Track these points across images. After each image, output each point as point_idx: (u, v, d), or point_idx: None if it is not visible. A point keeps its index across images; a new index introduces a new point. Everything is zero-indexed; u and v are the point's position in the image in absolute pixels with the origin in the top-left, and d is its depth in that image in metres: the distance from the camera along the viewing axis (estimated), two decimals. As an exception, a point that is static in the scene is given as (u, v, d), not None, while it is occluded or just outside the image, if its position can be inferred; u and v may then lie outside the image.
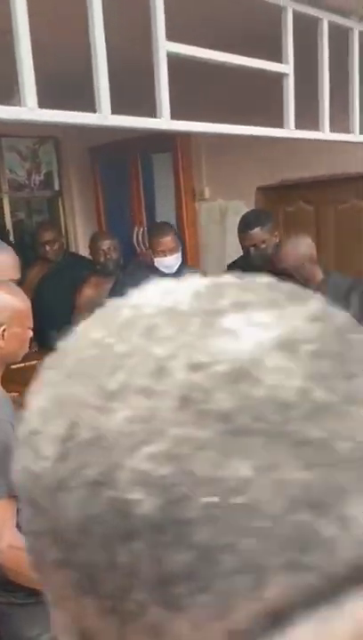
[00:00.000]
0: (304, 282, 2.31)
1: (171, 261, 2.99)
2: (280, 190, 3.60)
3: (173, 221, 4.04)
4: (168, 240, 2.96)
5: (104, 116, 1.34)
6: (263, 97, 1.92)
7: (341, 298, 2.28)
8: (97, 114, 1.34)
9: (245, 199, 3.75)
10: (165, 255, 2.96)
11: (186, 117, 1.59)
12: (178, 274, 3.04)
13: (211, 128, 1.60)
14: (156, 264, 3.02)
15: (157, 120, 1.46)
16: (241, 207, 3.76)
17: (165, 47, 1.45)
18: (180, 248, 3.05)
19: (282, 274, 2.30)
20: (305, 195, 3.52)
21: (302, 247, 2.35)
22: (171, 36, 1.48)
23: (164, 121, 1.46)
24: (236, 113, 2.00)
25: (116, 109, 1.41)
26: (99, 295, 3.32)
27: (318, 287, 2.34)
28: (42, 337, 3.68)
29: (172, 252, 2.97)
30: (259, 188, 3.68)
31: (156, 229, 3.10)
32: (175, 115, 1.52)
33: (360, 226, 3.31)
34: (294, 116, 1.83)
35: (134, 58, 1.64)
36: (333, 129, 2.07)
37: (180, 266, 3.12)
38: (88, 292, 3.33)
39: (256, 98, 2.48)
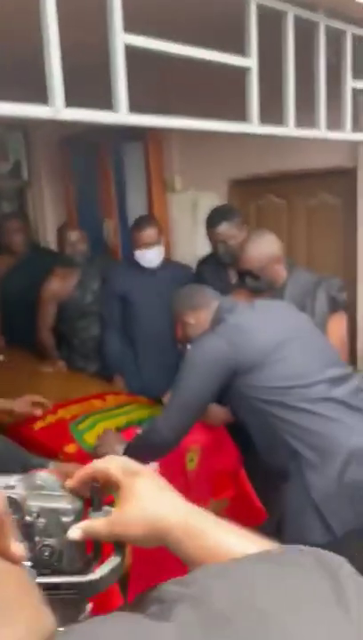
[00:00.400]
0: (269, 282, 2.30)
1: (152, 255, 2.94)
2: (252, 183, 3.58)
3: (143, 213, 4.00)
4: (150, 233, 2.92)
5: (57, 110, 1.29)
6: (236, 91, 1.88)
7: (307, 294, 2.28)
8: (50, 107, 1.30)
9: (216, 191, 3.72)
10: (147, 248, 2.92)
11: (163, 110, 1.56)
12: (160, 268, 3.01)
13: (169, 123, 1.57)
14: (136, 258, 2.97)
15: (114, 114, 1.42)
16: (213, 199, 3.74)
17: (122, 39, 1.41)
18: (162, 242, 3.01)
19: (249, 273, 2.30)
20: (276, 188, 3.51)
21: (264, 249, 2.32)
22: (130, 28, 1.44)
23: (121, 115, 1.42)
24: (208, 107, 1.98)
25: (75, 102, 1.38)
26: (64, 288, 3.27)
27: (283, 286, 2.34)
28: (8, 330, 3.64)
29: (153, 245, 2.93)
30: (230, 181, 3.66)
31: (138, 222, 3.04)
32: (148, 107, 1.48)
33: (330, 220, 3.31)
34: (258, 111, 1.80)
35: (94, 50, 1.59)
36: (301, 124, 2.05)
37: (166, 262, 3.10)
38: (54, 284, 3.28)
39: (230, 91, 2.45)
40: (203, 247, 3.85)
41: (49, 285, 3.30)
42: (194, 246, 3.96)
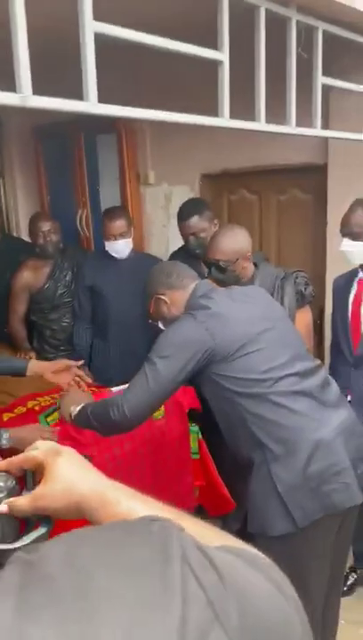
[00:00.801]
0: (234, 276, 2.32)
1: (120, 246, 2.95)
2: (224, 178, 3.60)
3: (117, 204, 3.98)
4: (120, 224, 2.92)
5: (25, 97, 1.28)
6: (210, 85, 1.88)
7: (275, 289, 2.31)
8: (18, 94, 1.28)
9: (189, 185, 3.73)
10: (116, 239, 2.93)
11: (136, 102, 1.55)
12: (130, 260, 3.01)
13: (139, 113, 1.57)
14: (106, 248, 2.98)
15: (84, 103, 1.41)
16: (186, 192, 3.75)
17: (92, 27, 1.40)
18: (131, 233, 3.01)
19: (216, 265, 2.31)
20: (248, 184, 3.53)
21: (235, 244, 2.33)
22: (101, 17, 1.43)
23: (90, 104, 1.41)
24: (182, 100, 1.98)
25: (49, 91, 1.36)
26: (36, 279, 3.25)
27: (251, 280, 2.36)
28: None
29: (123, 236, 2.93)
30: (203, 175, 3.67)
31: (108, 212, 3.05)
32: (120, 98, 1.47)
33: (301, 215, 3.36)
34: (228, 105, 1.81)
35: (65, 38, 1.58)
36: (273, 120, 2.07)
37: (134, 252, 3.10)
38: (25, 275, 3.25)
39: (203, 85, 2.45)
40: (175, 240, 3.85)
41: (21, 276, 3.27)
42: (167, 239, 3.96)
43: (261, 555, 0.57)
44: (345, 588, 2.52)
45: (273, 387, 1.75)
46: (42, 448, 0.74)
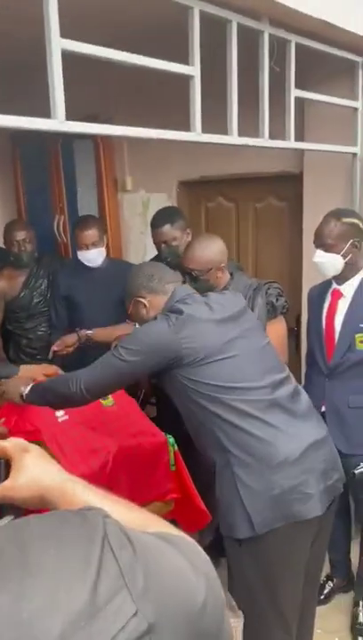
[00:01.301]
0: (207, 286, 2.32)
1: (92, 255, 2.95)
2: (201, 185, 3.61)
3: (94, 211, 3.97)
4: (91, 234, 2.92)
5: (-10, 117, 1.27)
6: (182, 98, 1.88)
7: (247, 299, 2.32)
8: (-18, 113, 1.27)
9: (167, 192, 3.73)
10: (88, 249, 2.93)
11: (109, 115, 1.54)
12: (105, 268, 3.00)
13: (109, 130, 1.56)
14: (79, 257, 2.97)
15: (51, 121, 1.40)
16: (164, 199, 3.74)
17: (59, 45, 1.39)
18: (104, 242, 3.00)
19: (189, 274, 2.31)
20: (225, 191, 3.54)
21: (208, 254, 2.33)
22: (70, 34, 1.42)
23: (57, 122, 1.40)
24: (155, 113, 1.98)
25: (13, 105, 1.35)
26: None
27: (225, 288, 2.37)
28: None
29: (95, 245, 2.93)
30: (180, 183, 3.67)
31: (79, 222, 3.05)
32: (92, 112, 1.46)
33: (277, 223, 3.37)
34: (200, 119, 1.81)
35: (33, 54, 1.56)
36: (246, 130, 2.07)
37: (109, 260, 3.09)
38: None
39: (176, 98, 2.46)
40: (153, 247, 3.85)
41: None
42: (144, 245, 3.95)
43: (188, 540, 0.67)
44: (322, 597, 2.53)
45: (244, 396, 1.75)
46: (12, 442, 0.85)
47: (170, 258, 2.73)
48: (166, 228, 2.74)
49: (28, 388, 1.98)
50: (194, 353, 1.73)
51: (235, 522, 1.73)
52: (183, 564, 0.60)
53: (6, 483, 0.82)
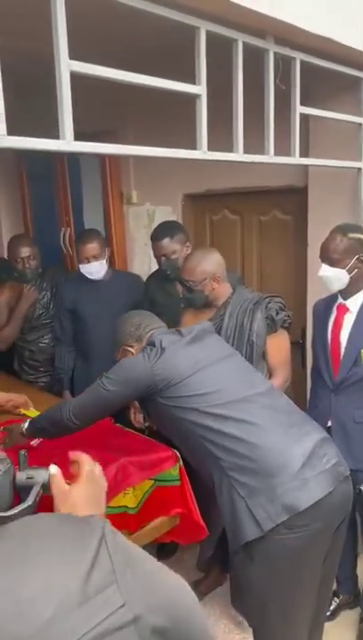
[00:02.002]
0: (203, 297, 2.36)
1: (94, 268, 2.98)
2: (206, 198, 3.62)
3: (100, 224, 3.99)
4: (92, 247, 2.95)
5: (-1, 138, 1.28)
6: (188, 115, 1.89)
7: (246, 314, 2.34)
8: (-8, 135, 1.28)
9: (172, 205, 3.74)
10: (88, 262, 2.96)
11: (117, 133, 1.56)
12: (109, 280, 3.03)
13: (117, 150, 1.58)
14: (81, 270, 3.00)
15: (59, 142, 1.42)
16: (169, 212, 3.76)
17: (68, 66, 1.41)
18: (106, 255, 3.03)
19: (184, 284, 2.35)
20: (230, 204, 3.55)
21: (204, 265, 2.37)
22: (78, 55, 1.44)
23: (65, 143, 1.42)
24: (161, 131, 1.98)
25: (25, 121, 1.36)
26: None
27: (226, 305, 2.38)
28: None
29: (96, 258, 2.96)
30: (185, 196, 3.69)
31: (81, 236, 3.09)
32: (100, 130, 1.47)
33: (282, 236, 3.38)
34: (206, 138, 1.82)
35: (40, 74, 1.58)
36: (251, 146, 2.09)
37: (113, 272, 3.12)
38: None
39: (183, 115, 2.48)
40: (158, 259, 3.87)
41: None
42: (149, 258, 3.96)
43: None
44: (328, 613, 2.51)
45: (217, 400, 1.82)
46: (88, 459, 1.00)
47: (169, 271, 2.76)
48: (166, 241, 2.77)
49: (27, 423, 2.11)
50: (167, 378, 1.85)
51: (240, 526, 1.73)
52: (172, 577, 0.70)
53: (68, 489, 0.95)
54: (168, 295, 2.85)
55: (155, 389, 1.87)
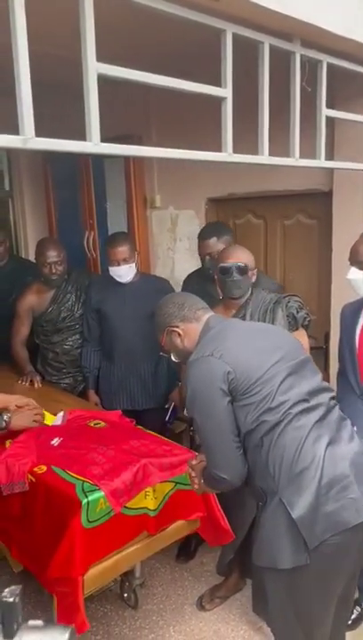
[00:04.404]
0: (249, 284, 2.38)
1: (123, 271, 2.99)
2: (230, 203, 3.62)
3: (124, 227, 4.02)
4: (122, 250, 2.97)
5: (27, 140, 1.30)
6: (214, 117, 1.89)
7: (267, 312, 2.33)
8: (20, 137, 1.30)
9: (195, 209, 3.75)
10: (118, 265, 2.97)
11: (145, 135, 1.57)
12: (136, 282, 3.04)
13: (139, 152, 1.58)
14: (110, 273, 3.01)
15: (86, 143, 1.43)
16: (192, 216, 3.77)
17: (95, 68, 1.42)
18: (135, 258, 3.04)
19: (240, 268, 2.38)
20: (254, 208, 3.54)
21: (250, 255, 2.40)
22: (105, 58, 1.45)
23: (92, 145, 1.43)
24: (188, 133, 1.99)
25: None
26: (40, 303, 3.27)
27: (246, 304, 2.38)
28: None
29: (126, 261, 2.97)
30: (209, 200, 3.69)
31: (111, 239, 3.10)
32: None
33: (306, 240, 3.36)
34: (231, 140, 1.82)
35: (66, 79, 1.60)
36: (277, 149, 2.08)
37: (139, 274, 3.12)
38: (30, 298, 3.28)
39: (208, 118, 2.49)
40: (181, 262, 3.88)
41: (25, 299, 3.29)
42: (172, 261, 3.98)
43: None
44: (349, 622, 2.47)
45: (290, 415, 1.67)
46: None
47: (212, 270, 2.73)
48: (213, 240, 2.77)
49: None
50: (243, 377, 1.67)
51: (282, 550, 1.64)
52: None
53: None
54: (209, 296, 2.81)
55: (236, 384, 1.68)
